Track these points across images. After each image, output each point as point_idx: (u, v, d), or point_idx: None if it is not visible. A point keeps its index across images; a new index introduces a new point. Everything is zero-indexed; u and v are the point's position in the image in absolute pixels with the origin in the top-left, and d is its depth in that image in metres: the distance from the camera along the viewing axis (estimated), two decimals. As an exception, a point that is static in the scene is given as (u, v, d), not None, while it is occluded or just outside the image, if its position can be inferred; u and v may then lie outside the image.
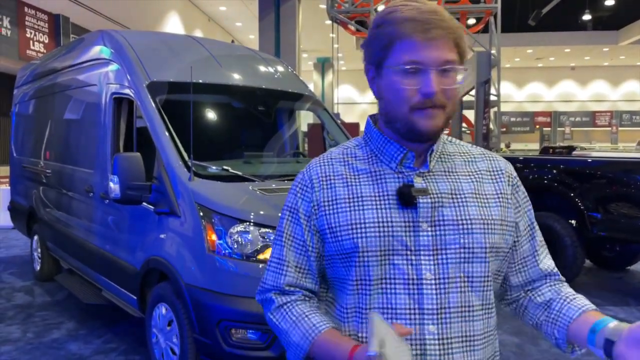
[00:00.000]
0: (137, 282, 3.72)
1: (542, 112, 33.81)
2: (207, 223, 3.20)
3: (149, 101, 3.77)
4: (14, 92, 7.07)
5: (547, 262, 1.24)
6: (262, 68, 4.84)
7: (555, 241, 5.82)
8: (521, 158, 6.65)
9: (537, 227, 1.25)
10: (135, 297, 3.82)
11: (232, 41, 6.31)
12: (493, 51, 14.39)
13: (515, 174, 1.23)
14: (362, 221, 1.11)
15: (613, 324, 1.04)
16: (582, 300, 1.17)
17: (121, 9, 15.02)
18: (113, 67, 4.25)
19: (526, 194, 1.25)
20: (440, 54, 1.06)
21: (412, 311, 1.08)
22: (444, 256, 1.09)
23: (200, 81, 4.08)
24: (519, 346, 4.25)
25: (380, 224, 1.10)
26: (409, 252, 1.09)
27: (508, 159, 5.75)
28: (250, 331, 3.06)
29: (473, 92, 10.22)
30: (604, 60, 32.87)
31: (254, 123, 4.74)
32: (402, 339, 0.97)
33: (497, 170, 1.20)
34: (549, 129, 33.22)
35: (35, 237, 6.05)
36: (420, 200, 1.10)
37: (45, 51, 11.79)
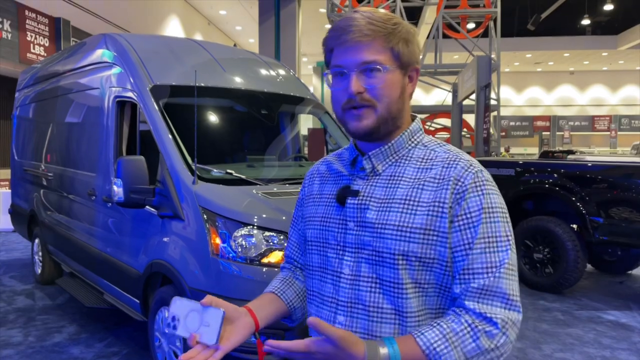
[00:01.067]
0: (140, 285, 3.71)
1: (542, 117, 33.88)
2: (211, 226, 3.20)
3: (152, 104, 3.77)
4: (15, 95, 7.07)
5: (473, 295, 1.08)
6: (265, 72, 4.85)
7: (556, 245, 5.82)
8: (521, 162, 6.65)
9: (481, 247, 1.09)
10: (138, 301, 3.80)
11: (234, 45, 6.32)
12: (493, 55, 14.42)
13: (471, 180, 1.12)
14: (314, 215, 1.29)
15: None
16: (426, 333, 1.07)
17: (121, 12, 15.04)
18: (116, 70, 4.25)
19: (490, 208, 1.11)
20: (357, 56, 1.13)
21: (333, 300, 1.20)
22: (361, 256, 1.17)
23: (203, 85, 4.08)
24: (521, 350, 4.25)
25: (323, 219, 1.25)
26: (338, 247, 1.21)
27: (509, 163, 5.73)
28: (253, 335, 3.04)
29: (473, 96, 10.22)
30: (602, 65, 32.96)
31: (257, 126, 4.74)
32: (209, 307, 1.11)
33: (444, 178, 1.13)
34: (548, 133, 33.27)
35: (36, 241, 6.04)
36: (349, 201, 1.20)
37: (45, 54, 11.80)
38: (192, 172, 3.40)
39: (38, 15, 11.83)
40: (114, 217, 4.15)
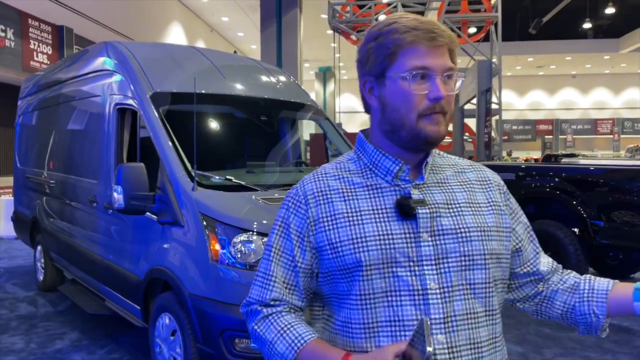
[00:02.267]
0: (141, 292, 3.73)
1: (544, 120, 33.85)
2: (211, 233, 3.22)
3: (153, 112, 3.80)
4: (18, 103, 7.11)
5: (549, 259, 1.31)
6: (265, 78, 4.87)
7: (558, 249, 5.81)
8: (523, 166, 6.65)
9: (532, 230, 1.31)
10: (138, 307, 3.82)
11: (235, 52, 6.36)
12: (494, 60, 14.43)
13: (502, 183, 1.28)
14: (363, 235, 1.10)
15: None
16: (605, 279, 1.23)
17: (124, 19, 15.13)
18: (117, 78, 4.29)
19: (515, 201, 1.31)
20: (445, 61, 1.11)
21: None
22: (446, 265, 1.10)
23: (203, 91, 4.11)
24: (522, 355, 4.24)
25: (381, 237, 1.10)
26: (411, 263, 1.09)
27: (510, 167, 5.72)
28: (254, 341, 3.06)
29: (474, 101, 10.24)
30: (605, 68, 32.95)
31: (257, 133, 4.76)
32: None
33: (485, 180, 1.24)
34: (551, 136, 33.24)
35: (39, 248, 6.07)
36: (420, 211, 1.11)
37: (49, 62, 11.86)
38: (192, 178, 3.42)
39: (41, 24, 11.91)
40: (115, 223, 4.17)
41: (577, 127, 33.73)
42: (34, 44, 11.71)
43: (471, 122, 13.36)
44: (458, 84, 1.14)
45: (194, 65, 4.44)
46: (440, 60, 1.10)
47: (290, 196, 1.21)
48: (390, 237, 1.10)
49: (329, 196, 1.16)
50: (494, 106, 14.61)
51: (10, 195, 9.71)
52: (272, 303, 1.18)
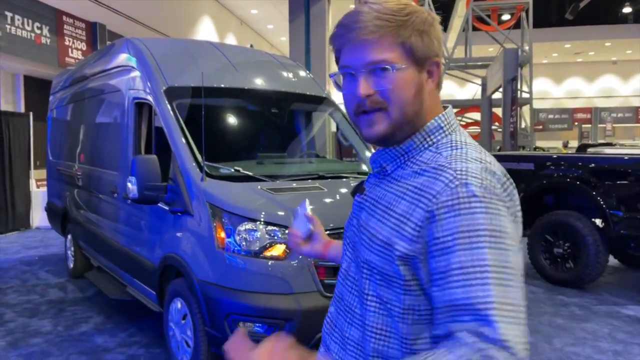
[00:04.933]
0: (156, 278, 3.91)
1: (582, 109, 32.88)
2: (217, 221, 3.35)
3: (166, 106, 3.96)
4: (50, 98, 7.43)
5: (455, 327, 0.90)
6: (279, 72, 4.97)
7: (577, 240, 5.75)
8: (542, 156, 6.58)
9: (463, 279, 0.89)
10: (154, 293, 4.01)
11: (251, 45, 6.49)
12: (525, 47, 14.17)
13: (447, 200, 0.94)
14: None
15: None
16: None
17: (155, 14, 15.45)
18: (136, 73, 4.46)
19: (468, 229, 0.91)
20: (364, 55, 1.02)
21: (336, 289, 1.23)
22: (352, 254, 1.16)
23: (215, 85, 4.24)
24: (532, 344, 4.25)
25: (350, 213, 1.24)
26: (347, 241, 1.21)
27: (529, 157, 5.63)
28: (257, 325, 3.19)
29: (502, 90, 10.11)
30: (647, 54, 31.75)
31: (270, 125, 4.87)
32: (310, 221, 1.52)
33: (424, 190, 0.99)
34: (589, 125, 32.30)
35: (69, 237, 6.36)
36: (356, 198, 1.19)
37: (83, 58, 12.26)
38: (201, 169, 3.56)
39: (75, 21, 12.30)
40: (133, 213, 4.37)
41: (618, 115, 32.63)
42: (69, 41, 12.11)
43: (499, 112, 13.17)
44: (397, 75, 1.02)
45: (208, 60, 4.57)
46: (357, 55, 1.03)
47: None
48: (350, 214, 1.22)
49: None
50: (524, 95, 14.34)
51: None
52: None
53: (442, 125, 1.08)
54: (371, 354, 1.06)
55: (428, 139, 1.08)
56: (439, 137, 1.07)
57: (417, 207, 0.98)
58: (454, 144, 1.05)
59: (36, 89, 12.37)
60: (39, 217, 10.12)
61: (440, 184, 0.97)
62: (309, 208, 1.55)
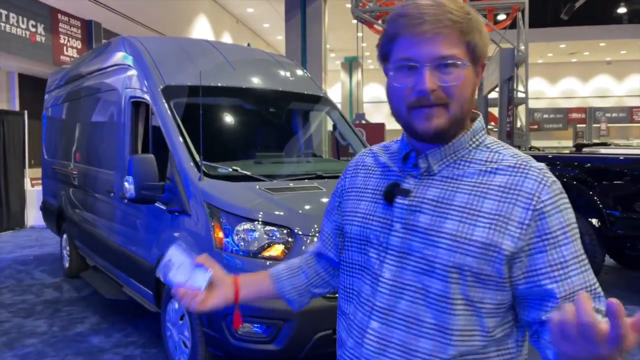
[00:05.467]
0: (153, 278, 3.88)
1: (577, 109, 32.99)
2: (215, 221, 3.33)
3: (163, 104, 3.94)
4: (45, 96, 7.39)
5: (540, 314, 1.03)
6: (276, 71, 4.96)
7: (574, 239, 5.75)
8: (538, 156, 6.59)
9: (576, 267, 1.01)
10: (151, 292, 3.98)
11: (248, 44, 6.45)
12: (521, 47, 14.19)
13: (548, 196, 1.02)
14: (356, 210, 1.20)
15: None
16: None
17: (151, 13, 15.39)
18: (132, 72, 4.44)
19: (569, 225, 1.02)
20: (434, 49, 1.01)
21: (369, 303, 1.11)
22: (406, 261, 1.07)
23: (213, 84, 4.22)
24: (530, 347, 4.25)
25: (365, 216, 1.16)
26: (380, 248, 1.11)
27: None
28: (256, 325, 3.17)
29: (498, 89, 10.13)
30: (641, 54, 31.90)
31: (268, 125, 4.86)
32: (201, 267, 1.23)
33: (515, 189, 1.03)
34: (584, 125, 32.42)
35: (64, 236, 6.32)
36: (398, 201, 1.10)
37: (78, 56, 12.20)
38: (199, 169, 3.54)
39: (70, 19, 12.23)
40: (129, 213, 4.34)
41: (612, 115, 32.77)
42: (64, 39, 12.04)
43: (496, 111, 13.20)
44: (463, 72, 1.03)
45: (205, 59, 4.55)
46: (427, 48, 1.01)
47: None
48: (371, 218, 1.15)
49: (358, 170, 1.27)
50: (520, 95, 14.38)
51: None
52: (317, 250, 1.40)
53: (483, 126, 1.13)
54: (453, 357, 1.05)
55: (474, 139, 1.11)
56: (482, 138, 1.11)
57: (514, 206, 1.02)
58: (498, 144, 1.12)
59: (31, 87, 12.30)
60: (33, 216, 10.07)
61: (533, 182, 1.03)
62: (188, 257, 1.25)
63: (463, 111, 1.05)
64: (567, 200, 1.04)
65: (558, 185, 1.05)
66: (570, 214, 1.04)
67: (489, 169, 1.06)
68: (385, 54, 1.09)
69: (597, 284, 1.04)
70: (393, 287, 1.08)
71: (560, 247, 1.01)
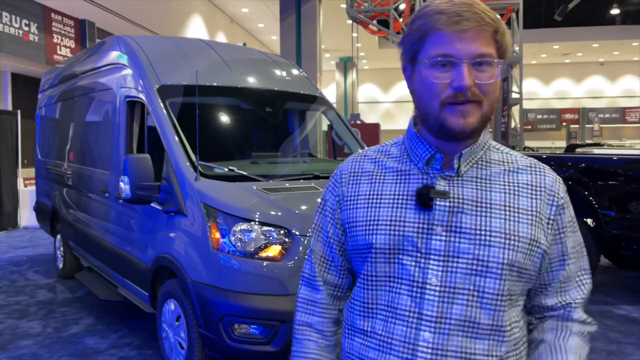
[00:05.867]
0: (149, 279, 3.86)
1: (570, 109, 33.16)
2: (212, 222, 3.31)
3: (159, 104, 3.91)
4: (39, 96, 7.33)
5: (566, 296, 1.16)
6: (272, 70, 4.94)
7: (569, 240, 5.77)
8: (533, 156, 6.60)
9: (575, 256, 1.15)
10: (147, 294, 3.96)
11: (244, 44, 6.43)
12: (515, 48, 14.22)
13: (564, 193, 1.14)
14: (376, 218, 1.12)
15: None
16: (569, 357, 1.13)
17: (145, 12, 15.33)
18: (127, 71, 4.40)
19: (573, 218, 1.15)
20: (473, 46, 1.03)
21: (412, 314, 1.06)
22: (454, 264, 1.05)
23: (208, 84, 4.19)
24: (526, 344, 4.26)
25: (393, 222, 1.10)
26: (418, 254, 1.07)
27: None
28: (253, 326, 3.15)
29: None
30: (633, 55, 32.01)
31: (264, 124, 4.83)
32: None
33: (540, 186, 1.11)
34: (577, 126, 32.58)
35: (58, 236, 6.28)
36: (437, 203, 1.07)
37: (71, 56, 12.13)
38: (195, 169, 3.52)
39: (64, 18, 12.15)
40: (125, 213, 4.31)
41: (605, 116, 32.96)
42: (57, 38, 11.96)
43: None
44: (496, 71, 1.05)
45: (201, 59, 4.53)
46: (467, 45, 1.02)
47: (332, 176, 1.26)
48: (401, 224, 1.09)
49: (358, 177, 1.19)
50: (514, 95, 14.43)
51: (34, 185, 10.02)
52: (315, 281, 1.26)
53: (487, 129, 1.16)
54: (507, 354, 1.09)
55: (486, 140, 1.15)
56: (489, 140, 1.16)
57: (542, 203, 1.10)
58: (502, 146, 1.19)
59: (24, 87, 12.22)
60: (26, 216, 10.00)
61: (551, 181, 1.13)
62: None
63: (492, 110, 1.07)
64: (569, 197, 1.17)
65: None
66: (572, 209, 1.17)
67: (511, 169, 1.12)
68: (415, 52, 1.08)
69: (588, 267, 1.20)
70: (443, 293, 1.05)
71: (569, 239, 1.14)
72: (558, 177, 1.15)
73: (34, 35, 11.14)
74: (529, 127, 30.05)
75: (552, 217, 1.10)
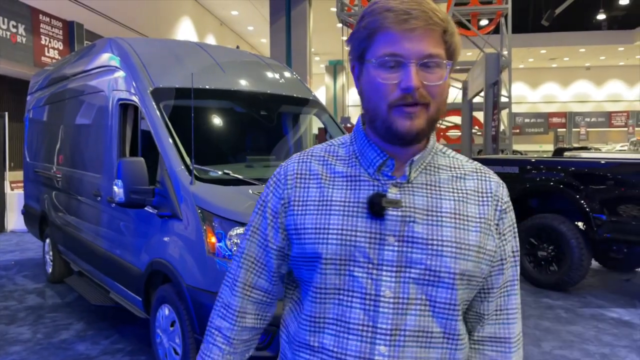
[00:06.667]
0: (142, 283, 3.81)
1: (557, 113, 33.53)
2: (208, 226, 3.28)
3: (153, 107, 3.87)
4: (27, 98, 7.23)
5: (502, 302, 1.13)
6: (266, 73, 4.92)
7: (561, 243, 5.81)
8: (526, 160, 6.63)
9: (514, 262, 1.13)
10: (140, 299, 3.90)
11: (237, 47, 6.39)
12: (504, 52, 14.33)
13: (507, 198, 1.12)
14: (327, 226, 1.05)
15: None
16: None
17: (134, 14, 15.23)
18: (120, 74, 4.36)
19: (514, 222, 1.14)
20: (422, 46, 0.98)
21: (365, 328, 1.02)
22: (407, 275, 1.02)
23: (201, 87, 4.16)
24: (521, 348, 4.26)
25: (344, 232, 1.04)
26: (370, 265, 1.02)
27: (513, 161, 5.70)
28: (249, 332, 3.12)
29: (483, 94, 10.21)
30: (619, 60, 32.51)
31: (258, 127, 4.80)
32: None
33: (485, 192, 1.09)
34: (564, 129, 32.93)
35: (47, 241, 6.19)
36: (390, 213, 1.03)
37: (59, 58, 11.99)
38: (190, 172, 3.48)
39: (52, 19, 12.03)
40: (117, 217, 4.26)
41: (591, 119, 33.36)
42: (45, 40, 11.83)
43: (480, 116, 13.31)
44: (445, 72, 1.01)
45: (195, 61, 4.49)
46: (415, 45, 0.98)
47: (274, 175, 1.17)
48: (353, 233, 1.03)
49: (306, 180, 1.11)
50: (503, 99, 14.53)
51: (22, 189, 9.89)
52: (255, 291, 1.19)
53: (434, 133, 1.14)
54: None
55: (434, 145, 1.11)
56: (435, 144, 1.12)
57: (489, 208, 1.09)
58: (448, 149, 1.16)
59: (11, 89, 12.08)
60: (14, 220, 9.85)
61: (495, 185, 1.11)
62: None
63: (440, 112, 1.03)
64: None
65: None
66: (514, 213, 1.15)
67: (458, 175, 1.10)
68: (362, 50, 1.04)
69: (517, 279, 1.16)
70: (396, 305, 1.01)
71: (509, 243, 1.12)
72: (501, 181, 1.14)
73: (21, 37, 11.01)
74: (517, 130, 30.31)
75: (496, 221, 1.09)
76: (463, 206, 1.06)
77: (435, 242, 1.02)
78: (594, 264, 6.73)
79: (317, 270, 1.06)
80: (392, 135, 1.02)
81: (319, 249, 1.05)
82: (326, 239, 1.05)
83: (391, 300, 1.01)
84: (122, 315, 4.78)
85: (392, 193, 1.04)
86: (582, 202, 5.67)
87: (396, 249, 1.02)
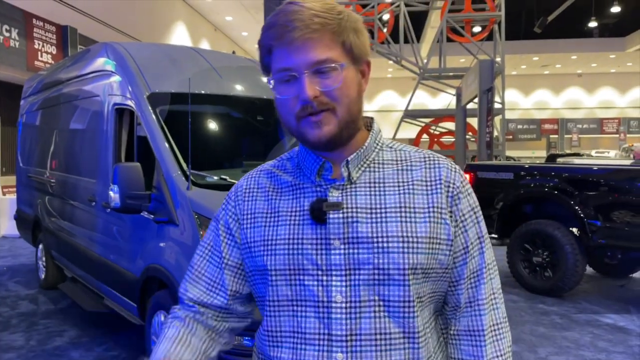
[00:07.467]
0: (137, 289, 3.78)
1: (549, 120, 33.74)
2: (204, 231, 3.25)
3: (149, 112, 3.85)
4: (21, 102, 7.19)
5: (471, 293, 1.08)
6: (262, 79, 4.91)
7: (555, 249, 5.83)
8: (520, 166, 6.66)
9: (479, 250, 1.09)
10: (135, 305, 3.87)
11: (233, 52, 6.39)
12: (497, 59, 14.42)
13: (460, 182, 1.08)
14: (274, 238, 1.05)
15: None
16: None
17: (128, 19, 15.21)
18: (115, 78, 4.34)
19: (474, 207, 1.09)
20: (308, 55, 0.97)
21: (321, 337, 1.00)
22: (357, 277, 0.99)
23: (198, 92, 4.15)
24: (517, 354, 4.26)
25: (290, 241, 1.03)
26: (319, 272, 1.01)
27: (508, 167, 5.71)
28: (246, 338, 3.10)
29: (477, 100, 10.25)
30: (610, 67, 32.80)
31: (255, 133, 4.80)
32: None
33: (433, 180, 1.06)
34: (556, 136, 33.13)
35: (40, 246, 6.14)
36: (331, 216, 1.02)
37: (53, 62, 11.95)
38: (187, 178, 3.46)
39: (45, 24, 11.99)
40: (113, 222, 4.22)
41: (583, 126, 33.59)
42: (38, 44, 11.79)
43: (474, 122, 13.36)
44: (343, 73, 0.99)
45: (191, 66, 4.48)
46: (301, 56, 0.97)
47: (228, 193, 1.19)
48: (300, 242, 1.03)
49: (255, 194, 1.12)
50: (496, 106, 14.60)
51: (15, 194, 9.81)
52: (189, 303, 1.14)
53: (379, 129, 1.13)
54: (427, 358, 1.05)
55: (377, 141, 1.10)
56: (382, 140, 1.11)
57: (441, 196, 1.05)
58: (397, 143, 1.14)
59: (4, 93, 12.01)
60: (5, 225, 9.78)
61: (446, 171, 1.07)
62: None
63: (351, 113, 1.01)
64: (470, 186, 1.12)
65: (463, 174, 1.11)
66: (475, 197, 1.11)
67: (404, 167, 1.07)
68: (266, 66, 1.05)
69: (494, 262, 1.12)
70: (349, 309, 0.99)
71: (471, 229, 1.07)
72: (454, 165, 1.09)
73: (14, 41, 10.96)
74: (510, 137, 30.47)
75: (449, 208, 1.05)
76: (409, 198, 1.03)
77: (380, 239, 1.00)
78: (589, 269, 6.76)
79: (269, 283, 1.05)
80: (308, 145, 1.03)
81: (266, 262, 1.05)
82: (274, 250, 1.05)
83: (343, 305, 0.99)
84: (117, 322, 4.73)
85: (333, 196, 1.03)
86: (577, 208, 5.69)
87: (342, 252, 1.00)
